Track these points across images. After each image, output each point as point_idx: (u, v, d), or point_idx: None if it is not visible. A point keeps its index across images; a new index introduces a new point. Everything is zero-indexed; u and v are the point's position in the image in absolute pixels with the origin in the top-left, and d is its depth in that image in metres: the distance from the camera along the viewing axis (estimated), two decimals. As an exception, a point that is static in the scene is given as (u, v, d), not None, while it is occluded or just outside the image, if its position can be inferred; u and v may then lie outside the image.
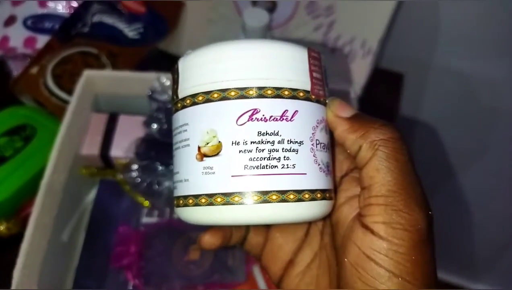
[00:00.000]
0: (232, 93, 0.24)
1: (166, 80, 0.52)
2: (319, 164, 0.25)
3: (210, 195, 0.24)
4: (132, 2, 0.65)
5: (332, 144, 0.28)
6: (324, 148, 0.26)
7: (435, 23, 0.66)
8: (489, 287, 1.14)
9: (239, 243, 0.31)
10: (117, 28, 0.63)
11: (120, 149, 0.52)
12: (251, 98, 0.24)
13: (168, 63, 0.70)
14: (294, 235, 0.31)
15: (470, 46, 0.67)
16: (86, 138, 0.53)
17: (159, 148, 0.48)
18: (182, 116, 0.26)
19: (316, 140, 0.25)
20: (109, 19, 0.63)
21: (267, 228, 0.32)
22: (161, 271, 0.50)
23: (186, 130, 0.26)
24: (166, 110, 0.48)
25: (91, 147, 0.53)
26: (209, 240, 0.29)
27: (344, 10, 0.58)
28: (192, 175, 0.25)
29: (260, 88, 0.24)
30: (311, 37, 0.61)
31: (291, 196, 0.24)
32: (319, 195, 0.25)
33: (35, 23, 0.67)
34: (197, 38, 0.68)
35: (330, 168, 0.27)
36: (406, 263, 0.22)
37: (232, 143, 0.24)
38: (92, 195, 0.56)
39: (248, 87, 0.24)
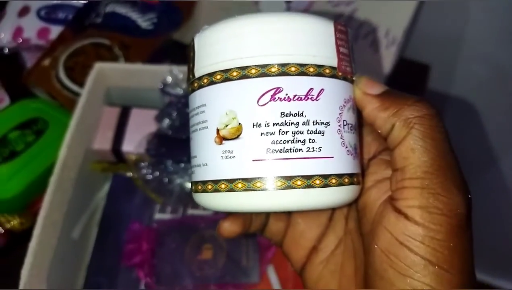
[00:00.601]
0: (253, 71, 0.22)
1: (178, 72, 0.50)
2: (346, 147, 0.23)
3: (230, 181, 0.23)
4: (145, -9, 0.63)
5: (359, 125, 0.26)
6: (351, 129, 0.24)
7: (463, 13, 0.63)
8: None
9: (259, 230, 0.30)
10: (130, 18, 0.61)
11: (132, 144, 0.50)
12: (273, 76, 0.22)
13: (183, 54, 0.69)
14: (317, 221, 0.29)
15: (499, 34, 0.64)
16: (98, 132, 0.52)
17: (170, 145, 0.47)
18: (199, 97, 0.24)
19: (344, 120, 0.23)
20: (122, 9, 0.62)
21: (288, 214, 0.30)
22: (173, 270, 0.48)
23: (203, 112, 0.24)
24: (177, 105, 0.47)
25: (103, 142, 0.52)
26: (228, 228, 0.27)
27: (367, -2, 0.55)
28: (210, 159, 0.23)
29: (282, 65, 0.22)
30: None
31: (317, 182, 0.22)
32: (346, 180, 0.23)
33: (49, 14, 0.66)
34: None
35: (358, 151, 0.25)
36: (443, 250, 0.20)
37: (253, 125, 0.22)
38: (105, 190, 0.55)
39: (269, 64, 0.22)
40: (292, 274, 0.49)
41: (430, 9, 0.62)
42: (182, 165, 0.45)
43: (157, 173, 0.46)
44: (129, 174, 0.48)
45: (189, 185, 0.46)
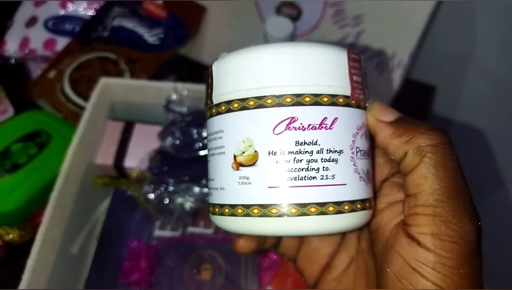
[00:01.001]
0: (269, 101, 0.23)
1: (182, 89, 0.50)
2: (359, 173, 0.24)
3: (247, 206, 0.23)
4: (153, 6, 0.63)
5: (372, 147, 0.26)
6: (364, 156, 0.25)
7: (470, 33, 0.62)
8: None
9: (273, 246, 0.30)
10: (137, 33, 0.61)
11: (135, 160, 0.50)
12: (288, 106, 0.23)
13: (189, 69, 0.69)
14: (330, 238, 0.30)
15: (508, 53, 0.63)
16: (101, 147, 0.52)
17: (172, 163, 0.46)
18: (217, 123, 0.25)
19: (357, 147, 0.24)
20: (129, 23, 0.62)
21: None
22: (171, 289, 0.48)
23: (221, 137, 0.25)
24: (181, 123, 0.47)
25: (105, 157, 0.52)
26: (244, 244, 0.27)
27: (374, 20, 0.55)
28: (228, 184, 0.24)
29: (297, 95, 0.23)
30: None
31: (331, 209, 0.23)
32: (359, 206, 0.24)
33: (56, 25, 0.66)
34: (218, 44, 0.66)
35: (370, 176, 0.26)
36: (454, 277, 0.21)
37: (269, 153, 0.23)
38: (105, 205, 0.55)
39: (285, 94, 0.23)
40: (291, 296, 0.49)
41: (437, 30, 0.62)
42: (183, 185, 0.45)
43: (158, 192, 0.45)
44: (130, 191, 0.48)
45: (189, 204, 0.46)
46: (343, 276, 0.29)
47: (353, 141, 0.24)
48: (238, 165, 0.24)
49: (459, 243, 0.21)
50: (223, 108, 0.24)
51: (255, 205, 0.23)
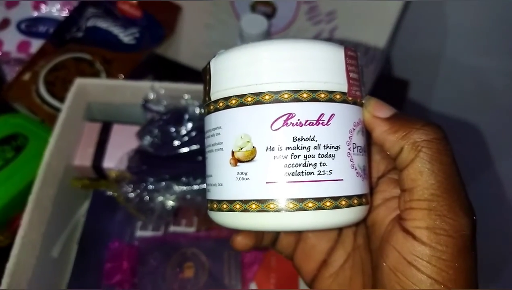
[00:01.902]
0: (266, 97, 0.23)
1: (160, 89, 0.50)
2: (356, 169, 0.24)
3: (245, 201, 0.24)
4: (128, 6, 0.63)
5: (368, 143, 0.27)
6: (361, 151, 0.25)
7: (442, 26, 0.64)
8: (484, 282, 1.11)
9: (271, 243, 0.31)
10: (112, 33, 0.61)
11: (113, 160, 0.50)
12: (286, 102, 0.23)
13: (167, 69, 0.68)
14: (327, 235, 0.30)
15: (479, 47, 0.65)
16: (79, 148, 0.52)
17: (151, 162, 0.46)
18: (214, 119, 0.25)
19: (353, 143, 0.24)
20: (103, 24, 0.61)
21: None
22: (154, 289, 0.48)
23: (219, 134, 0.25)
24: (159, 122, 0.47)
25: (83, 158, 0.51)
26: (242, 241, 0.28)
27: (347, 16, 0.56)
28: (226, 180, 0.25)
29: (295, 92, 0.23)
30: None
31: (328, 204, 0.23)
32: (355, 201, 0.24)
33: (29, 27, 0.65)
34: (195, 43, 0.66)
35: (367, 171, 0.26)
36: (449, 270, 0.21)
37: (267, 148, 0.23)
38: (85, 207, 0.54)
39: (282, 91, 0.23)
40: (274, 291, 0.49)
41: (409, 25, 0.64)
42: (163, 183, 0.45)
43: (138, 191, 0.45)
44: (110, 192, 0.48)
45: (170, 203, 0.46)
46: (340, 272, 0.29)
47: (350, 137, 0.24)
48: (236, 161, 0.24)
49: (454, 236, 0.22)
50: (221, 104, 0.25)
51: (253, 200, 0.23)
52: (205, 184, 0.45)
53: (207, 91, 0.26)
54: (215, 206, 0.26)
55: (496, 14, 0.60)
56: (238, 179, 0.24)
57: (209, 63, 0.26)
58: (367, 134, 0.26)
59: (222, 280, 0.48)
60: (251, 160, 0.23)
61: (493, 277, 1.05)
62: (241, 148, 0.24)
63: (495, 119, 0.74)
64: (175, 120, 0.47)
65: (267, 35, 0.52)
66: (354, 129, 0.25)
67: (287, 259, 0.32)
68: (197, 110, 0.48)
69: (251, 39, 0.50)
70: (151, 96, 0.50)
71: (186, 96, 0.49)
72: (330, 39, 0.58)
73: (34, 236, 0.44)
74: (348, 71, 0.24)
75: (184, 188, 0.45)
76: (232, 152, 0.24)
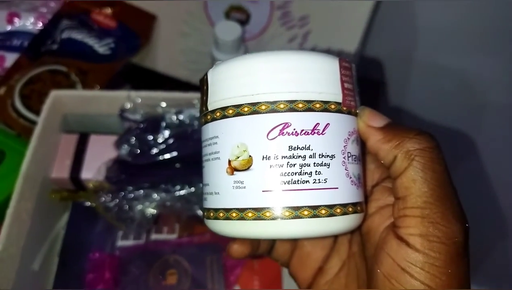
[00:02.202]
0: (263, 107, 0.24)
1: (136, 98, 0.50)
2: (350, 177, 0.25)
3: (241, 210, 0.24)
4: (102, 17, 0.63)
5: (363, 153, 0.27)
6: (355, 160, 0.26)
7: (414, 26, 0.65)
8: (476, 287, 1.13)
9: (267, 251, 0.31)
10: (87, 44, 0.61)
11: (91, 171, 0.50)
12: (282, 111, 0.24)
13: (143, 77, 0.69)
14: (322, 243, 0.31)
15: (454, 45, 0.66)
16: (56, 160, 0.51)
17: (130, 171, 0.46)
18: (212, 129, 0.26)
19: (348, 152, 0.25)
20: (78, 35, 0.61)
21: None
22: (137, 297, 0.48)
23: (216, 143, 0.25)
24: (136, 131, 0.47)
25: (60, 170, 0.51)
26: (238, 249, 0.28)
27: (319, 20, 0.57)
28: (222, 189, 0.25)
29: (291, 102, 0.24)
30: (286, 48, 0.60)
31: (323, 211, 0.24)
32: (350, 209, 0.25)
33: (3, 41, 0.65)
34: (171, 51, 0.66)
35: (361, 180, 0.26)
36: (442, 276, 0.22)
37: (263, 157, 0.24)
38: (64, 219, 0.54)
39: (278, 101, 0.24)
40: (257, 294, 0.50)
41: (380, 27, 0.65)
42: (142, 191, 0.45)
43: (117, 200, 0.45)
44: (89, 203, 0.48)
45: (150, 211, 0.46)
46: (335, 279, 0.30)
47: (344, 146, 0.25)
48: (233, 169, 0.24)
49: (447, 243, 0.22)
50: (218, 114, 0.25)
51: (250, 208, 0.24)
52: (183, 191, 0.46)
53: (204, 101, 0.26)
54: (211, 214, 0.26)
55: (468, 12, 0.61)
56: (235, 187, 0.24)
57: (206, 74, 0.27)
58: (362, 143, 0.27)
59: (205, 285, 0.48)
60: (248, 168, 0.24)
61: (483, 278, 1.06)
62: (238, 157, 0.24)
63: (473, 118, 0.76)
64: (152, 128, 0.47)
65: (241, 42, 0.53)
66: (348, 138, 0.25)
67: (283, 267, 0.32)
68: (174, 118, 0.48)
69: (226, 46, 0.51)
70: (128, 105, 0.50)
71: (163, 104, 0.49)
72: (303, 44, 0.59)
73: (13, 250, 0.43)
74: (342, 82, 0.25)
75: (164, 195, 0.45)
76: (229, 161, 0.24)
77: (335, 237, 0.31)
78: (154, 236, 0.52)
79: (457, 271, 0.22)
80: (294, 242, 0.31)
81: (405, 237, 0.23)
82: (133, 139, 0.46)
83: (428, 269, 0.22)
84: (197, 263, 0.50)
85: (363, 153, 0.28)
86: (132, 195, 0.45)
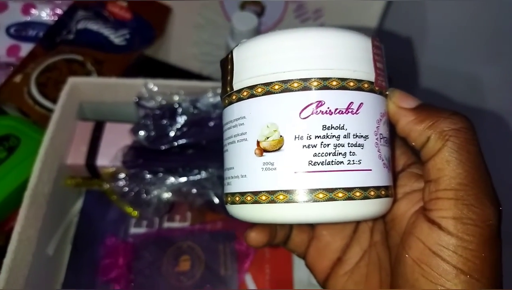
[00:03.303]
0: (295, 85, 0.23)
1: (153, 86, 0.50)
2: (382, 160, 0.24)
3: (272, 192, 0.23)
4: (117, 8, 0.63)
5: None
6: (386, 143, 0.25)
7: (423, 27, 0.66)
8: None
9: (282, 242, 0.30)
10: (103, 34, 0.62)
11: (107, 158, 0.50)
12: (315, 89, 0.23)
13: (156, 69, 0.69)
14: (342, 233, 0.30)
15: (457, 50, 0.67)
16: (71, 147, 0.52)
17: (147, 156, 0.47)
18: (237, 109, 0.25)
19: (380, 134, 0.24)
20: (94, 26, 0.62)
21: (311, 226, 0.31)
22: (151, 283, 0.48)
23: (242, 124, 0.24)
24: (154, 116, 0.47)
25: (76, 157, 0.51)
26: (256, 237, 0.27)
27: (333, 13, 0.58)
28: (250, 171, 0.24)
29: (324, 79, 0.23)
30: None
31: (357, 194, 0.23)
32: (383, 192, 0.24)
33: (19, 31, 0.65)
34: (185, 44, 0.67)
35: (391, 164, 0.25)
36: (475, 260, 0.21)
37: (295, 137, 0.23)
38: (78, 206, 0.54)
39: (312, 78, 0.23)
40: (269, 282, 0.50)
41: (391, 26, 0.66)
42: (159, 176, 0.46)
43: (134, 185, 0.46)
44: (106, 185, 0.48)
45: (165, 196, 0.47)
46: (355, 269, 0.29)
47: (377, 127, 0.24)
48: (262, 151, 0.23)
49: (481, 226, 0.21)
50: (245, 93, 0.24)
51: (281, 191, 0.23)
52: (198, 176, 0.46)
53: (228, 81, 0.25)
54: (237, 199, 0.24)
55: (480, 13, 0.62)
56: (264, 169, 0.23)
57: (231, 52, 0.25)
58: (390, 126, 0.26)
59: (218, 272, 0.48)
60: (278, 149, 0.23)
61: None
62: (267, 138, 0.23)
63: (481, 122, 0.76)
64: (169, 114, 0.47)
65: (257, 32, 0.53)
66: (380, 119, 0.24)
67: (299, 257, 0.31)
68: (190, 106, 0.49)
69: (242, 36, 0.51)
70: (145, 93, 0.50)
71: (179, 93, 0.50)
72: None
73: (31, 232, 0.44)
74: (375, 61, 0.24)
75: (180, 180, 0.46)
76: (258, 142, 0.23)
77: (356, 226, 0.30)
78: (167, 224, 0.53)
79: (491, 255, 0.21)
80: (311, 232, 0.30)
81: (437, 220, 0.22)
82: (150, 125, 0.47)
83: (461, 253, 0.21)
84: (210, 250, 0.50)
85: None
86: (149, 180, 0.46)
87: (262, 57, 0.24)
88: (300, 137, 0.22)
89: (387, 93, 0.25)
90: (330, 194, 0.22)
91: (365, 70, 0.24)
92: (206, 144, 0.47)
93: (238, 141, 0.25)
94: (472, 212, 0.21)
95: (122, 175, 0.47)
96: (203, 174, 0.45)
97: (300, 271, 0.50)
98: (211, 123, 0.47)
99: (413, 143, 0.24)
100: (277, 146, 0.23)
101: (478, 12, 0.61)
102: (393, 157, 0.27)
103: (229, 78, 0.25)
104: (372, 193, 0.23)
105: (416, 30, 0.67)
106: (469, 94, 0.72)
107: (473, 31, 0.64)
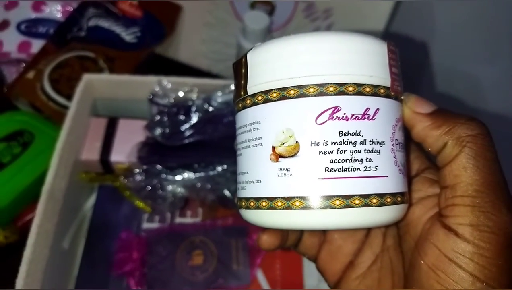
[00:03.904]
0: (311, 90, 0.22)
1: (167, 83, 0.51)
2: (398, 166, 0.24)
3: (288, 199, 0.23)
4: (128, 6, 0.64)
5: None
6: (402, 148, 0.24)
7: (431, 28, 0.67)
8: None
9: (294, 245, 0.30)
10: (114, 32, 0.62)
11: (121, 154, 0.51)
12: (331, 95, 0.22)
13: (166, 67, 0.70)
14: (354, 237, 0.30)
15: (464, 50, 0.68)
16: (86, 143, 0.53)
17: (162, 152, 0.48)
18: (252, 114, 0.24)
19: (396, 139, 0.24)
20: (105, 23, 0.63)
21: (323, 230, 0.31)
22: (164, 277, 0.49)
23: (257, 129, 0.24)
24: (169, 113, 0.48)
25: (90, 152, 0.52)
26: (268, 240, 0.27)
27: (342, 13, 0.59)
28: (265, 176, 0.24)
29: (340, 85, 0.22)
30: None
31: (374, 201, 0.22)
32: (399, 199, 0.24)
33: (29, 28, 0.66)
34: (194, 42, 0.68)
35: (406, 169, 0.25)
36: (491, 267, 0.21)
37: (311, 143, 0.22)
38: (91, 201, 0.55)
39: (328, 84, 0.22)
40: (280, 277, 0.51)
41: (399, 27, 0.67)
42: (175, 170, 0.47)
43: (150, 180, 0.47)
44: (121, 179, 0.49)
45: (180, 190, 0.47)
46: (367, 274, 0.29)
47: (393, 132, 0.24)
48: (277, 156, 0.23)
49: (498, 234, 0.21)
50: (259, 98, 0.24)
51: (297, 197, 0.22)
52: (212, 172, 0.47)
53: (242, 85, 0.25)
54: (251, 204, 0.24)
55: (487, 14, 0.63)
56: (280, 175, 0.23)
57: (245, 56, 0.25)
58: (405, 131, 0.26)
59: (230, 266, 0.49)
60: (294, 155, 0.22)
61: None
62: (283, 143, 0.23)
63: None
64: (183, 111, 0.48)
65: (268, 31, 0.54)
66: (396, 125, 0.24)
67: (310, 261, 0.31)
68: (203, 103, 0.50)
69: (254, 34, 0.52)
70: (158, 90, 0.51)
71: (192, 90, 0.51)
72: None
73: (48, 226, 0.44)
74: (391, 66, 0.24)
75: (194, 175, 0.47)
76: (273, 147, 0.23)
77: (368, 230, 0.30)
78: (178, 220, 0.54)
79: (507, 263, 0.21)
80: (323, 236, 0.30)
81: (454, 226, 0.22)
82: (166, 121, 0.47)
83: (477, 260, 0.21)
84: (223, 245, 0.51)
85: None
86: (164, 175, 0.47)
87: (277, 61, 0.24)
88: (317, 143, 0.22)
89: (402, 98, 0.25)
90: (347, 201, 0.22)
91: (381, 76, 0.24)
92: (220, 141, 0.47)
93: (252, 145, 0.24)
94: (489, 219, 0.21)
95: (138, 170, 0.47)
96: (218, 169, 0.46)
97: (310, 269, 0.51)
98: (225, 120, 0.48)
99: (429, 149, 0.24)
100: (293, 152, 0.23)
101: (483, 12, 0.62)
102: (408, 162, 0.27)
103: (243, 82, 0.25)
104: (388, 199, 0.23)
105: (426, 31, 0.68)
106: (477, 96, 0.73)
107: (480, 31, 0.65)
